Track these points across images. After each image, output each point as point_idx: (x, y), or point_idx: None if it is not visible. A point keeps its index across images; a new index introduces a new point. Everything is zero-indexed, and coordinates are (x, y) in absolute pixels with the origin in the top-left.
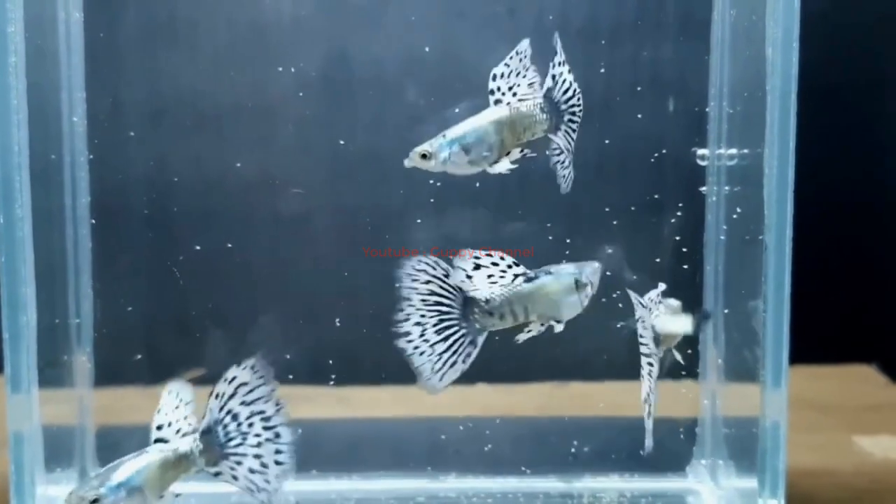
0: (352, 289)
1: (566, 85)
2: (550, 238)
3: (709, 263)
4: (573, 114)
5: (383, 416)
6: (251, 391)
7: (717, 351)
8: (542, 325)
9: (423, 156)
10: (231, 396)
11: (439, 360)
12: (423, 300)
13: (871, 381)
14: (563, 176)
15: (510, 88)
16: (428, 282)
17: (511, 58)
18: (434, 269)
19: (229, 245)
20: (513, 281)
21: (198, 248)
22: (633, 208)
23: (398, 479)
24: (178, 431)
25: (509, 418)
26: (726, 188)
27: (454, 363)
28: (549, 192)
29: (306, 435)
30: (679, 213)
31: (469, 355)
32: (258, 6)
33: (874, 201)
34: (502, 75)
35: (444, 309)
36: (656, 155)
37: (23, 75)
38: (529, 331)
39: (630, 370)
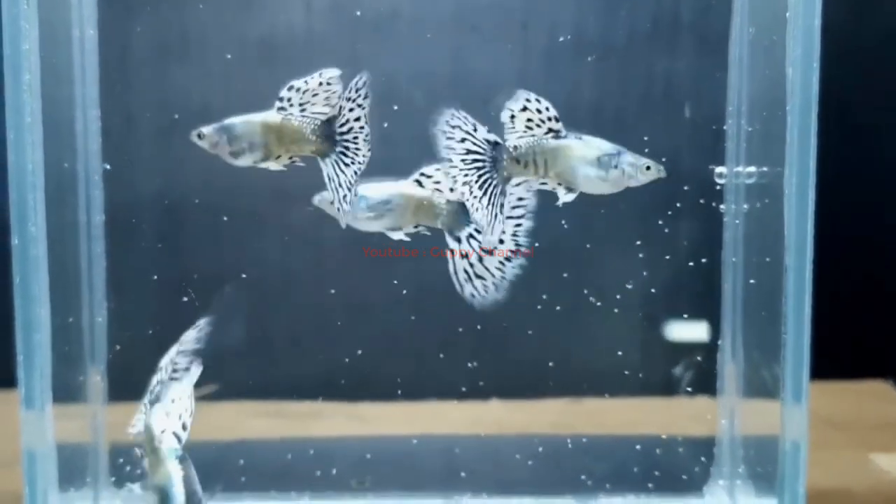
0: (364, 304)
1: (352, 122)
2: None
3: (727, 282)
4: (347, 149)
5: (396, 434)
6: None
7: (736, 369)
8: (559, 185)
9: (199, 135)
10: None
11: (488, 213)
12: (463, 159)
13: (887, 397)
14: (338, 208)
15: (300, 104)
16: (463, 139)
17: (312, 77)
18: (465, 123)
19: (242, 261)
20: (545, 133)
21: (212, 264)
22: (650, 226)
23: (411, 499)
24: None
25: (523, 436)
26: (744, 206)
27: (496, 214)
28: (565, 208)
29: (318, 453)
30: (697, 232)
31: (502, 205)
32: (270, 21)
33: (890, 215)
34: (298, 89)
35: (480, 164)
36: (673, 173)
37: (37, 93)
38: (544, 183)
39: (645, 386)
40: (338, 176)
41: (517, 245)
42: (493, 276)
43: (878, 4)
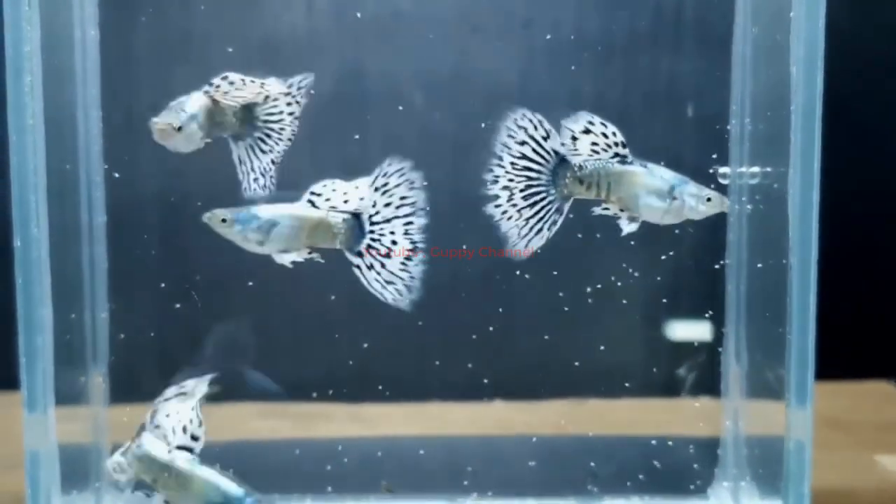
0: (367, 305)
1: (285, 114)
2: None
3: (730, 282)
4: (268, 136)
5: (399, 434)
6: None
7: (740, 370)
8: (621, 211)
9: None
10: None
11: (526, 225)
12: (513, 163)
13: (890, 398)
14: (244, 188)
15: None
16: (523, 143)
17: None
18: (536, 129)
19: (246, 263)
20: (612, 157)
21: (214, 267)
22: (654, 226)
23: (414, 500)
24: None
25: (526, 436)
26: (748, 206)
27: (540, 229)
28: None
29: (321, 453)
30: (700, 232)
31: (555, 223)
32: (271, 22)
33: (891, 215)
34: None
35: (534, 175)
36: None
37: (39, 94)
38: (607, 209)
39: (648, 387)
40: (253, 159)
41: (413, 243)
42: (401, 278)
43: (881, 4)
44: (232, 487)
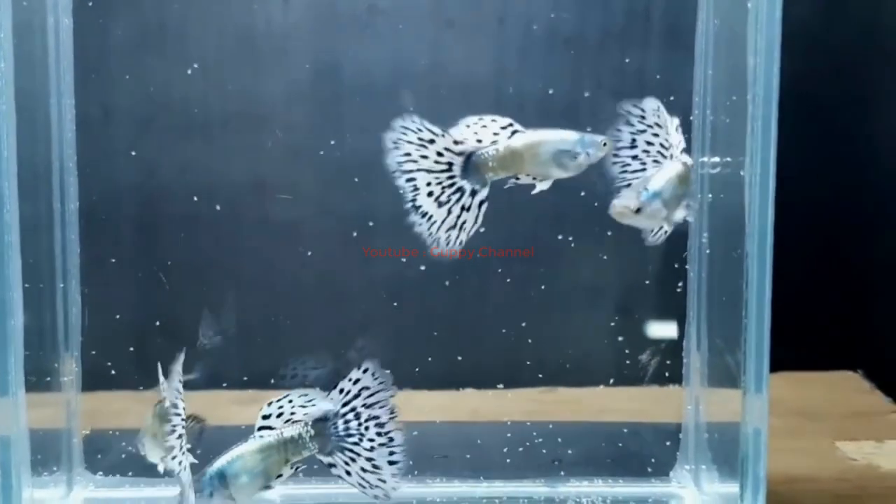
0: (339, 293)
1: None
2: (536, 244)
3: (692, 270)
4: None
5: None
6: (371, 395)
7: (701, 357)
8: (533, 179)
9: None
10: (356, 396)
11: (455, 223)
12: (429, 170)
13: (857, 387)
14: None
15: None
16: (424, 156)
17: None
18: (420, 131)
19: (217, 250)
20: (510, 136)
21: (186, 253)
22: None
23: None
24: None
25: (496, 423)
26: (709, 196)
27: (465, 221)
28: (532, 201)
29: None
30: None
31: (479, 207)
32: (248, 15)
33: (859, 209)
34: None
35: (446, 172)
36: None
37: (11, 81)
38: (518, 179)
39: (616, 376)
40: None
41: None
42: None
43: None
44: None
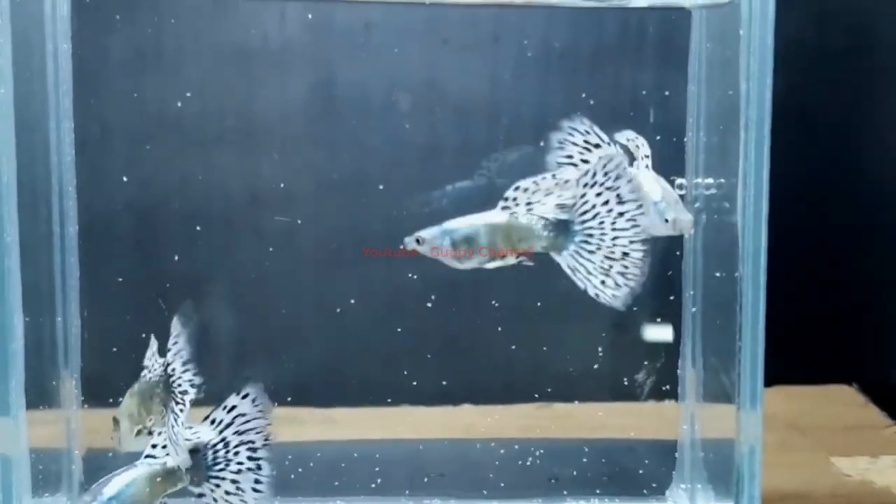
0: (338, 309)
1: (599, 206)
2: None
3: (686, 290)
4: (588, 237)
5: (368, 438)
6: (247, 422)
7: (696, 373)
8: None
9: (417, 241)
10: (228, 425)
11: None
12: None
13: (851, 401)
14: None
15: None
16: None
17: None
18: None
19: (215, 269)
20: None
21: (185, 270)
22: None
23: (382, 502)
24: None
25: (492, 440)
26: (703, 216)
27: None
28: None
29: (292, 457)
30: (659, 241)
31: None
32: (244, 34)
33: (851, 223)
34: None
35: None
36: None
37: (10, 105)
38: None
39: (611, 392)
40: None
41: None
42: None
43: (837, 16)
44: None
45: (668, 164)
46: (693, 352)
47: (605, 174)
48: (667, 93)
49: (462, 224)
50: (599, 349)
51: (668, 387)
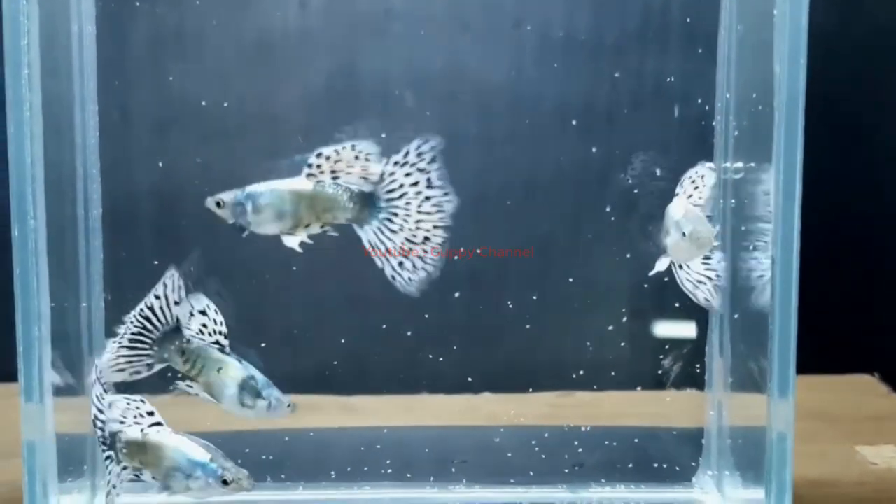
0: (358, 297)
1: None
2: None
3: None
4: (393, 214)
5: (390, 425)
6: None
7: (724, 361)
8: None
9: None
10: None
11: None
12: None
13: (873, 390)
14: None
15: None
16: (157, 297)
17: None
18: (171, 290)
19: (238, 254)
20: None
21: (208, 256)
22: (641, 222)
23: (405, 489)
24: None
25: (515, 427)
26: (732, 201)
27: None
28: (554, 204)
29: (313, 444)
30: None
31: (138, 372)
32: (267, 20)
33: (877, 212)
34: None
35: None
36: (664, 169)
37: (37, 88)
38: (190, 387)
39: (634, 379)
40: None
41: None
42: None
43: (863, 4)
44: (198, 453)
45: (695, 149)
46: (721, 339)
47: (419, 155)
48: (694, 76)
49: (266, 188)
50: (622, 338)
51: (694, 374)
